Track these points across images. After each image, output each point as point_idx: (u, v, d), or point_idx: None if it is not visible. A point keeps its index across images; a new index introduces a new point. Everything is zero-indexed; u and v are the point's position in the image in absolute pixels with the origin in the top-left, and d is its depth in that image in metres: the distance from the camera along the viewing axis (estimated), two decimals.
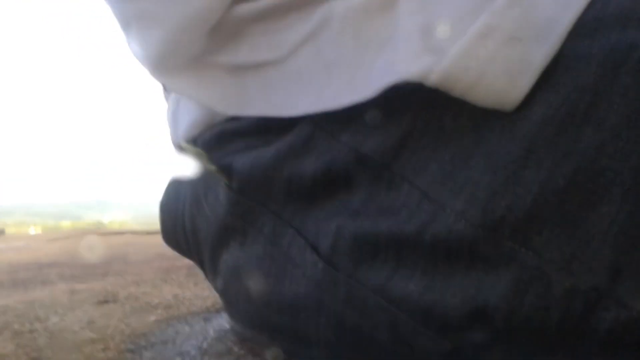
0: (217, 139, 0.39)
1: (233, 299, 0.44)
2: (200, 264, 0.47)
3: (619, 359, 0.25)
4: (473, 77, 0.27)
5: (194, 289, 0.53)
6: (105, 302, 0.76)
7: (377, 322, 0.31)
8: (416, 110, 0.30)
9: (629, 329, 0.24)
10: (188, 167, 0.43)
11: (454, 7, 0.29)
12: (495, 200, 0.27)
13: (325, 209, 0.33)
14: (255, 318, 0.43)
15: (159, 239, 0.54)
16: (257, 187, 0.36)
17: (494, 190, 0.27)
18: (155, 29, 0.35)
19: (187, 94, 0.40)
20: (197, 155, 0.41)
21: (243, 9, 0.34)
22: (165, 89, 0.47)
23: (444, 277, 0.28)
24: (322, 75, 0.33)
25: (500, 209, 0.27)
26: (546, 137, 0.26)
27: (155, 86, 0.48)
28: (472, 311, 0.27)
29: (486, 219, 0.27)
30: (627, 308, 0.24)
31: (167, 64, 0.37)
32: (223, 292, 0.45)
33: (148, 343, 0.51)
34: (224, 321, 0.54)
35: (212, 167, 0.39)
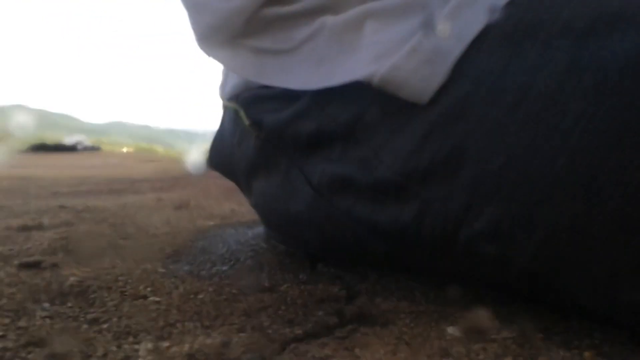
0: (252, 100, 0.54)
1: (262, 213, 0.61)
2: (237, 184, 0.64)
3: (475, 260, 0.39)
4: (400, 82, 0.40)
5: (247, 206, 0.69)
6: (180, 207, 0.95)
7: (344, 231, 0.47)
8: (370, 97, 0.43)
9: (476, 241, 0.38)
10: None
11: (395, 33, 0.42)
12: (410, 160, 0.40)
13: (317, 157, 0.48)
14: (275, 225, 0.59)
15: None
16: (277, 139, 0.51)
17: (410, 153, 0.40)
18: (204, 15, 0.50)
19: (222, 63, 0.55)
20: (236, 111, 0.56)
21: (270, 11, 0.48)
22: None
23: (382, 206, 0.43)
24: (314, 65, 0.46)
25: (411, 166, 0.40)
26: (440, 121, 0.39)
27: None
28: (396, 227, 0.42)
29: (404, 171, 0.41)
30: (473, 228, 0.38)
31: (210, 40, 0.52)
32: (255, 208, 0.62)
33: (204, 237, 0.68)
34: (261, 229, 0.71)
35: (247, 121, 0.54)
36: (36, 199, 1.03)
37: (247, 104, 0.54)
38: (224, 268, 0.52)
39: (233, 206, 0.96)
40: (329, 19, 0.46)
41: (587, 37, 0.35)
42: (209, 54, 0.54)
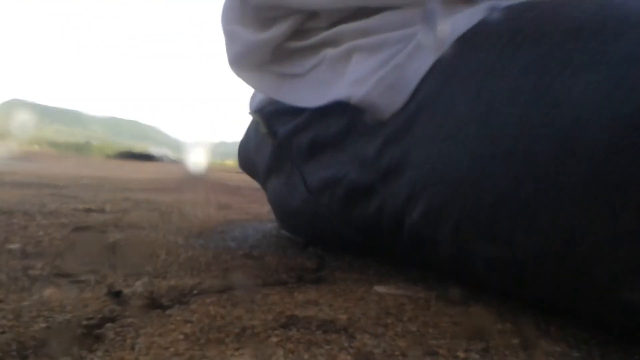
0: (272, 114, 0.65)
1: (273, 207, 0.72)
2: (259, 183, 0.76)
3: (418, 244, 0.48)
4: (370, 104, 0.50)
5: None
6: (225, 208, 1.08)
7: (326, 223, 0.58)
8: (352, 114, 0.53)
9: (415, 227, 0.47)
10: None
11: (371, 63, 0.52)
12: (373, 164, 0.50)
13: (313, 162, 0.58)
14: (280, 217, 0.71)
15: None
16: (285, 146, 0.62)
17: (374, 158, 0.50)
18: (236, 44, 0.63)
19: (249, 83, 0.67)
20: (258, 121, 0.69)
21: (290, 44, 0.60)
22: None
23: (353, 203, 0.53)
24: (315, 87, 0.57)
25: (375, 169, 0.50)
26: (394, 135, 0.49)
27: None
28: (364, 220, 0.52)
29: (369, 174, 0.51)
30: (412, 217, 0.47)
31: (239, 65, 0.65)
32: (269, 203, 0.73)
33: (228, 225, 0.81)
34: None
35: (265, 130, 0.66)
36: (106, 192, 1.20)
37: (268, 116, 0.66)
38: (231, 244, 0.64)
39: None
40: (329, 51, 0.57)
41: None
42: (238, 75, 0.66)
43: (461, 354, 0.31)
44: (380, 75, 0.50)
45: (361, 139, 0.52)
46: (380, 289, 0.45)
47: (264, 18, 0.60)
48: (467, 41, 0.47)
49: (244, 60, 0.64)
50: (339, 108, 0.54)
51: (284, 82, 0.61)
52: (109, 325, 0.33)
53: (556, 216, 0.36)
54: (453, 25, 0.49)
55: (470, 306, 0.42)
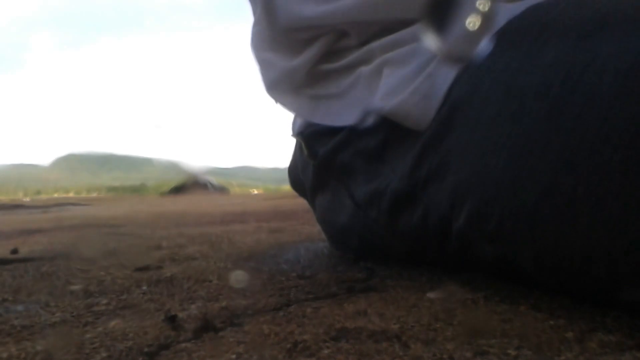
0: (312, 135, 0.67)
1: (321, 225, 0.73)
2: (308, 202, 0.77)
3: (467, 249, 0.48)
4: (402, 115, 0.51)
5: None
6: (276, 232, 1.10)
7: (374, 236, 0.58)
8: (387, 126, 0.54)
9: (463, 232, 0.47)
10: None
11: (400, 75, 0.53)
12: (413, 172, 0.51)
13: (357, 177, 0.59)
14: (329, 234, 0.72)
15: None
16: (327, 165, 0.63)
17: (413, 167, 0.51)
18: (271, 71, 0.65)
19: (285, 107, 0.69)
20: (300, 143, 0.70)
21: (323, 67, 0.62)
22: None
23: (397, 214, 0.54)
24: (353, 106, 0.58)
25: (416, 177, 0.51)
26: (431, 142, 0.49)
27: None
28: (409, 230, 0.53)
29: (410, 181, 0.51)
30: (459, 222, 0.46)
31: (275, 90, 0.67)
32: (318, 221, 0.74)
33: (280, 247, 0.82)
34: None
35: (306, 152, 0.68)
36: (161, 229, 1.24)
37: (309, 138, 0.67)
38: (284, 266, 0.65)
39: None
40: (363, 69, 0.58)
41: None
42: (276, 101, 0.68)
43: (512, 352, 0.31)
44: (414, 85, 0.51)
45: (399, 149, 0.53)
46: (432, 295, 0.45)
47: (295, 41, 0.62)
48: (496, 41, 0.47)
49: (279, 86, 0.66)
50: (377, 124, 0.55)
51: (319, 103, 0.63)
52: (163, 352, 0.34)
53: (600, 209, 0.36)
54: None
55: (520, 305, 0.41)
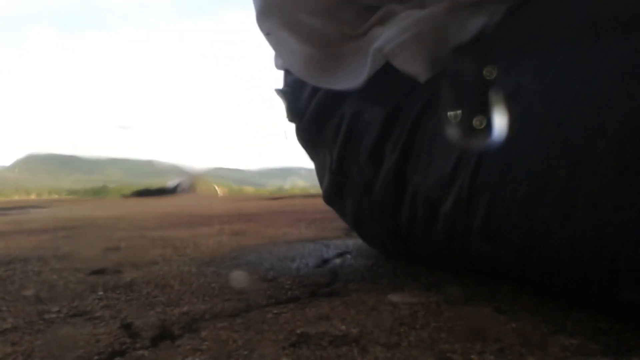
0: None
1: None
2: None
3: (452, 237, 0.47)
4: (402, 59, 0.49)
5: (300, 229, 0.79)
6: (238, 234, 1.08)
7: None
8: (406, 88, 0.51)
9: (448, 218, 0.46)
10: None
11: (397, 29, 0.50)
12: (406, 148, 0.50)
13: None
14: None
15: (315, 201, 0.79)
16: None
17: (407, 142, 0.50)
18: None
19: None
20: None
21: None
22: None
23: (395, 188, 0.52)
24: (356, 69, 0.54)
25: (408, 152, 0.50)
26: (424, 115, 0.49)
27: None
28: (411, 203, 0.51)
29: (402, 157, 0.50)
30: (445, 205, 0.46)
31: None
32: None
33: (241, 250, 0.81)
34: (298, 245, 0.81)
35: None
36: (122, 231, 1.21)
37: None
38: (243, 269, 0.64)
39: (289, 230, 1.08)
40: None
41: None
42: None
43: (475, 357, 0.31)
44: (406, 37, 0.49)
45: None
46: (394, 297, 0.45)
47: None
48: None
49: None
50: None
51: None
52: (118, 359, 0.33)
53: (593, 204, 0.34)
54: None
55: (484, 307, 0.41)
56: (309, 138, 0.66)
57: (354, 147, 0.56)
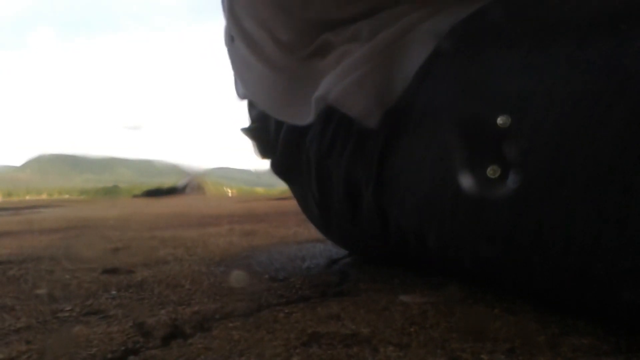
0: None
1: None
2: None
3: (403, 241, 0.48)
4: (347, 105, 0.48)
5: (310, 229, 0.80)
6: (248, 234, 1.09)
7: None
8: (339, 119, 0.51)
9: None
10: None
11: (339, 72, 0.49)
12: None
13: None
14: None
15: None
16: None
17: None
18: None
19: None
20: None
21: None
22: None
23: (355, 195, 0.52)
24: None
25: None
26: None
27: None
28: (367, 212, 0.52)
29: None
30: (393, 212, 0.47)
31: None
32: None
33: (252, 250, 0.81)
34: (308, 246, 0.82)
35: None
36: (133, 231, 1.22)
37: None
38: (254, 269, 0.64)
39: (299, 230, 1.08)
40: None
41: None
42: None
43: (485, 357, 0.31)
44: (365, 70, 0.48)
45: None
46: (404, 297, 0.45)
47: None
48: (454, 45, 0.45)
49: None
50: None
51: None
52: (131, 357, 0.33)
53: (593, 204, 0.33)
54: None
55: (494, 308, 0.41)
56: (284, 173, 0.63)
57: (328, 181, 0.55)
